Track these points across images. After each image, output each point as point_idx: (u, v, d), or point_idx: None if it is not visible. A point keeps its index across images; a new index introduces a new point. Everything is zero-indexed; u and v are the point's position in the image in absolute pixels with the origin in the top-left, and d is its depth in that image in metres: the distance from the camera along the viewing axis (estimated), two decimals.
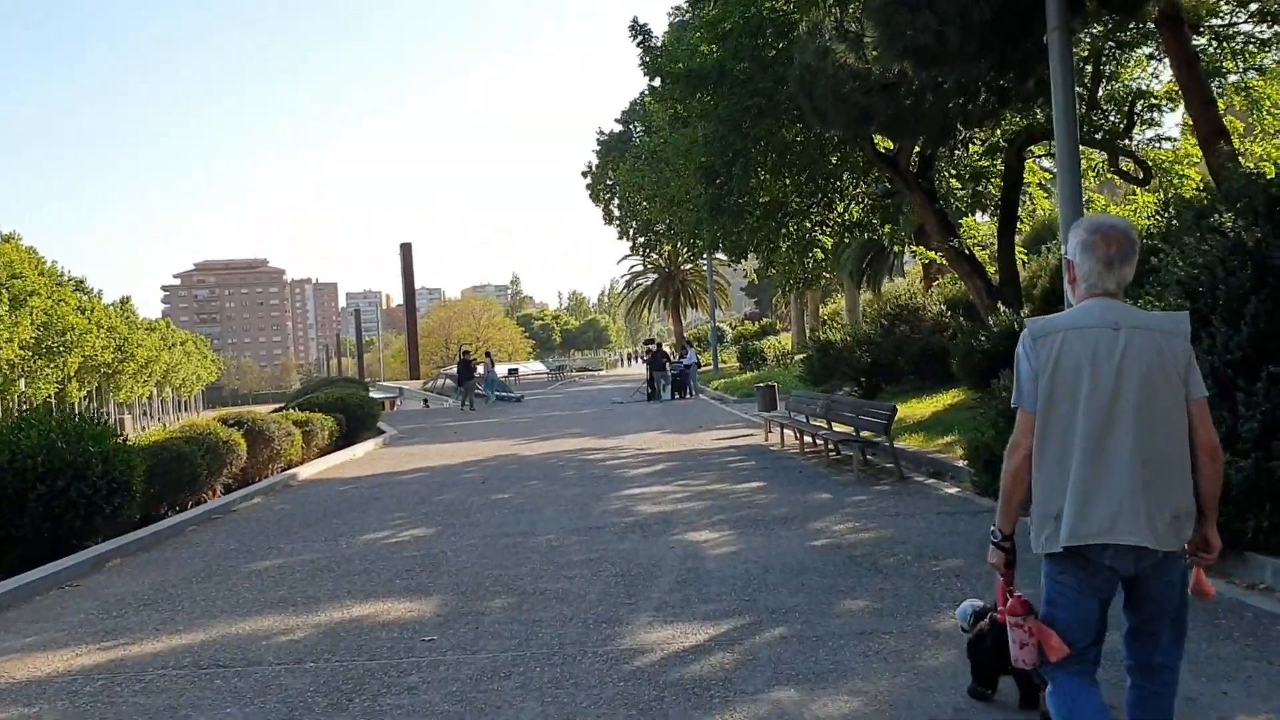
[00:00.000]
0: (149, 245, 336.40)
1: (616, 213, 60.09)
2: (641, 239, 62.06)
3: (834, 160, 19.19)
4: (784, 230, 19.70)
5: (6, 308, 50.01)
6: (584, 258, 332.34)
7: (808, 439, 15.27)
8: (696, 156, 17.63)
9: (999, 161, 20.91)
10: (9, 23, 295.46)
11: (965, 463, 11.59)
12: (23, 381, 63.56)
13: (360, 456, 18.45)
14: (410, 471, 15.34)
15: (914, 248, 23.56)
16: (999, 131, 19.19)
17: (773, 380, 33.51)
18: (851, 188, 20.56)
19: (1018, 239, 22.54)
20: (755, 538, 8.66)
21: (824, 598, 6.55)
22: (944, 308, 23.19)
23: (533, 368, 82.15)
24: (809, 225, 20.20)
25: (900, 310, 23.42)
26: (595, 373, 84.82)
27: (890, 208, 21.57)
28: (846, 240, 22.07)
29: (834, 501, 10.49)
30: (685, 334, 75.88)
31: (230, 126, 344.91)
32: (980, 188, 20.75)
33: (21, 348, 58.76)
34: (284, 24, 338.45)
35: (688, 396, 31.96)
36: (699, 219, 19.08)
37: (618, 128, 59.22)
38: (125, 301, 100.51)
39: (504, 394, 39.42)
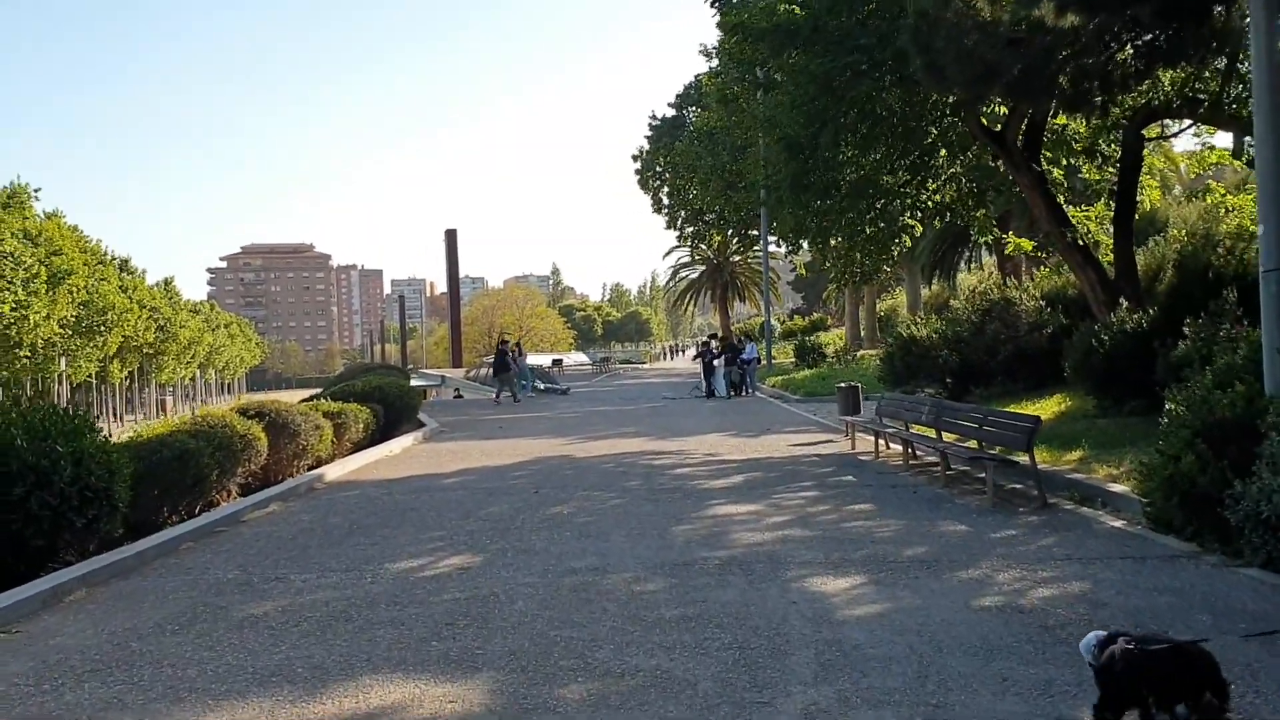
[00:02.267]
0: (197, 229, 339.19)
1: (666, 200, 58.18)
2: (691, 228, 60.13)
3: (932, 134, 17.01)
4: (871, 213, 17.55)
5: (44, 285, 49.01)
6: (625, 250, 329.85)
7: (903, 448, 13.15)
8: (782, 124, 15.51)
9: (1111, 142, 18.66)
10: (61, 9, 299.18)
11: (1126, 487, 9.53)
12: (63, 360, 62.93)
13: (397, 453, 16.63)
14: (452, 474, 13.45)
15: (1009, 235, 21.32)
16: (1118, 109, 16.85)
17: (832, 377, 31.40)
18: (946, 166, 18.35)
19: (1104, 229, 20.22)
20: (899, 590, 6.63)
21: (1047, 704, 4.51)
22: (1042, 304, 20.95)
23: (576, 359, 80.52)
24: (899, 207, 18.01)
25: (993, 306, 21.20)
26: (639, 365, 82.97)
27: (985, 191, 19.37)
28: (938, 225, 19.86)
29: (975, 536, 8.42)
30: (733, 328, 73.70)
31: (279, 114, 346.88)
32: (1097, 170, 18.48)
33: (61, 326, 57.99)
34: (333, 16, 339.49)
35: (744, 394, 29.86)
36: (779, 197, 16.97)
37: (670, 112, 57.27)
38: (169, 282, 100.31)
39: (550, 385, 37.62)
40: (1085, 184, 20.68)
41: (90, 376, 75.17)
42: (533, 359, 54.96)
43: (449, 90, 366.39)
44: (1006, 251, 22.52)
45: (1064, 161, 19.33)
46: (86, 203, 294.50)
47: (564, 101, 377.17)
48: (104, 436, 8.39)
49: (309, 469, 14.25)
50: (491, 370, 33.98)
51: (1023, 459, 10.31)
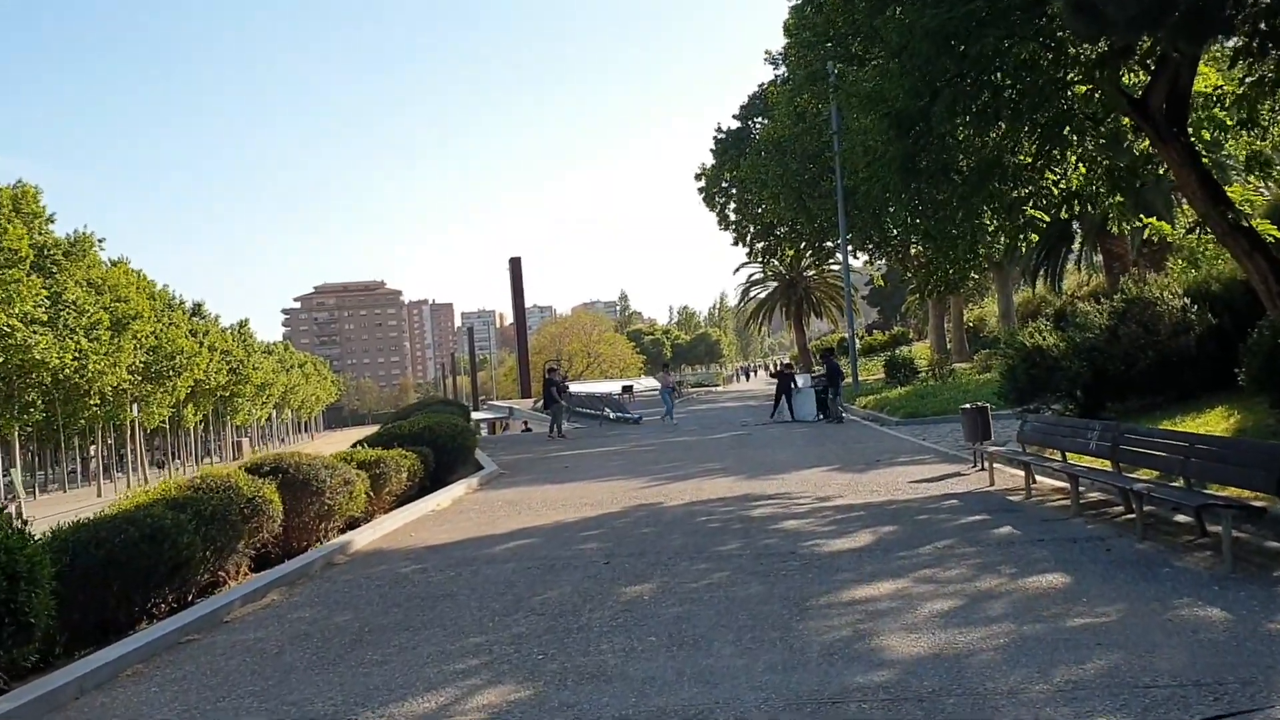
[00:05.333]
0: (272, 272, 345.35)
1: (732, 216, 55.79)
2: (761, 243, 57.56)
3: (1063, 103, 14.24)
4: (995, 202, 14.79)
5: (107, 332, 48.18)
6: (693, 273, 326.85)
7: (1070, 486, 10.38)
8: (888, 95, 12.88)
9: (1271, 105, 15.68)
10: (137, 55, 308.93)
11: None
12: (135, 406, 62.59)
13: (446, 506, 14.31)
14: (505, 537, 11.05)
15: (1149, 219, 18.30)
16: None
17: (930, 395, 28.41)
18: (1077, 144, 15.53)
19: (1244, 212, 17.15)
20: None
21: None
22: (1187, 302, 17.94)
23: (646, 384, 78.23)
24: (1023, 195, 15.21)
25: (1128, 308, 18.23)
26: (712, 388, 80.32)
27: (1123, 171, 16.50)
28: (1064, 215, 16.96)
29: (1245, 629, 5.68)
30: (810, 345, 70.64)
31: (347, 153, 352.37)
32: (1259, 140, 15.51)
33: (130, 372, 57.56)
34: (397, 52, 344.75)
35: (832, 417, 26.85)
36: (884, 184, 14.32)
37: (735, 124, 54.95)
38: (243, 325, 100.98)
39: (620, 414, 35.22)
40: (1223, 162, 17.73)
41: (164, 422, 75.20)
42: (601, 386, 52.72)
43: (512, 119, 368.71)
44: (1145, 235, 19.51)
45: (1205, 136, 16.41)
46: (165, 250, 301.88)
47: (629, 126, 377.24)
48: (15, 527, 6.15)
49: (340, 531, 12.02)
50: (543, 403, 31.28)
51: (1271, 503, 7.55)
